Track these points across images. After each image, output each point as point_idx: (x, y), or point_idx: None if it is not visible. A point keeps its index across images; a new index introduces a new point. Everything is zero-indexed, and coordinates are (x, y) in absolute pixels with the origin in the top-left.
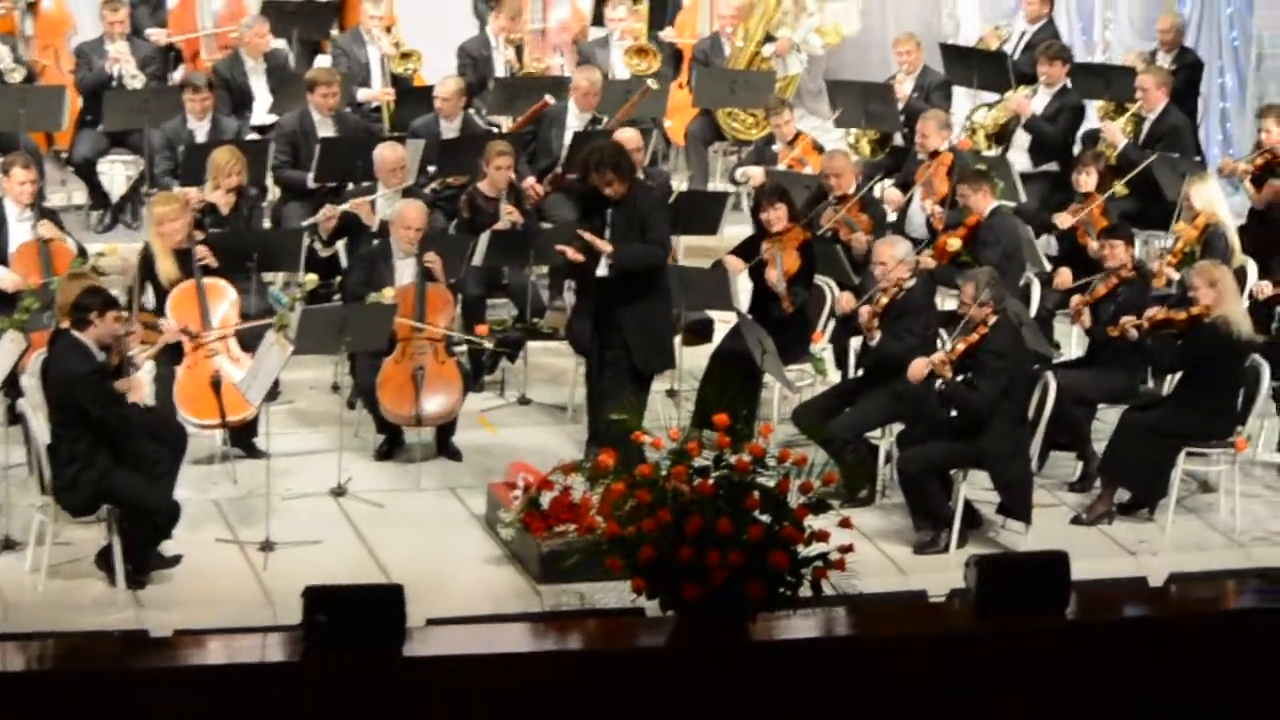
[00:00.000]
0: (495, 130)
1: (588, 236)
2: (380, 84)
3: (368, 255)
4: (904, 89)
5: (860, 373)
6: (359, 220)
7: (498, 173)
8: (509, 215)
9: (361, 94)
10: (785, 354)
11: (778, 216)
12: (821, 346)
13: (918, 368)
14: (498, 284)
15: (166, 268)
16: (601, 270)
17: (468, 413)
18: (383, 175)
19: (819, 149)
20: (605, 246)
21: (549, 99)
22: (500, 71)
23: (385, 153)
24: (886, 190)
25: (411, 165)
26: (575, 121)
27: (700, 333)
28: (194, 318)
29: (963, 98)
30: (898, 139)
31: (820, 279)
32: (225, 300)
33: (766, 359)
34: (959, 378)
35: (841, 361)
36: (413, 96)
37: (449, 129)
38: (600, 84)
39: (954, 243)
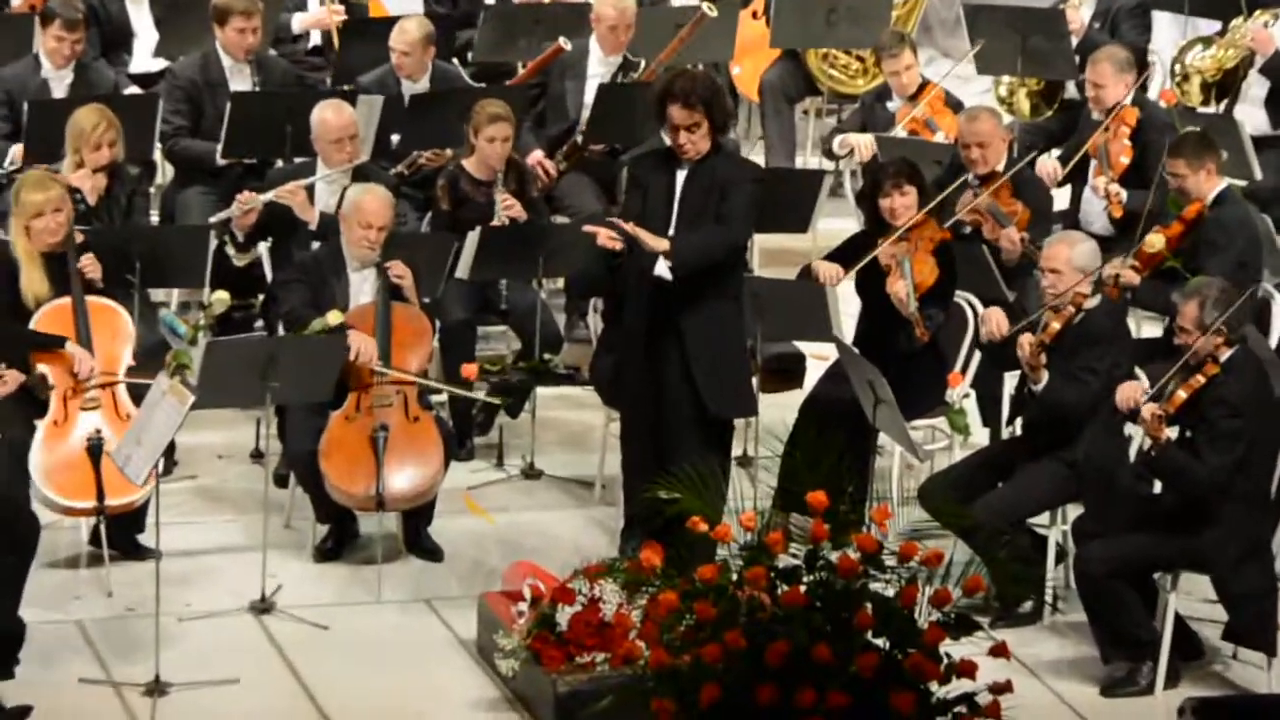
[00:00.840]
0: (485, 85)
1: (631, 229)
2: (321, 5)
3: (305, 264)
4: (1080, 15)
5: (1018, 430)
6: (291, 214)
7: (490, 145)
8: (506, 207)
9: (297, 21)
10: (909, 403)
11: (904, 205)
12: (962, 392)
13: (1126, 392)
14: (493, 305)
15: (34, 280)
16: (660, 270)
17: (450, 491)
18: (324, 148)
19: (954, 107)
20: (659, 243)
21: (563, 42)
22: None
23: (328, 115)
24: (1041, 164)
25: (366, 133)
26: (599, 68)
27: (784, 373)
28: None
29: (1169, 28)
30: (1072, 90)
31: (959, 295)
32: (118, 332)
33: (881, 411)
34: (1169, 436)
35: (991, 415)
36: (369, 31)
37: (412, 87)
38: (633, 12)
39: (1158, 243)
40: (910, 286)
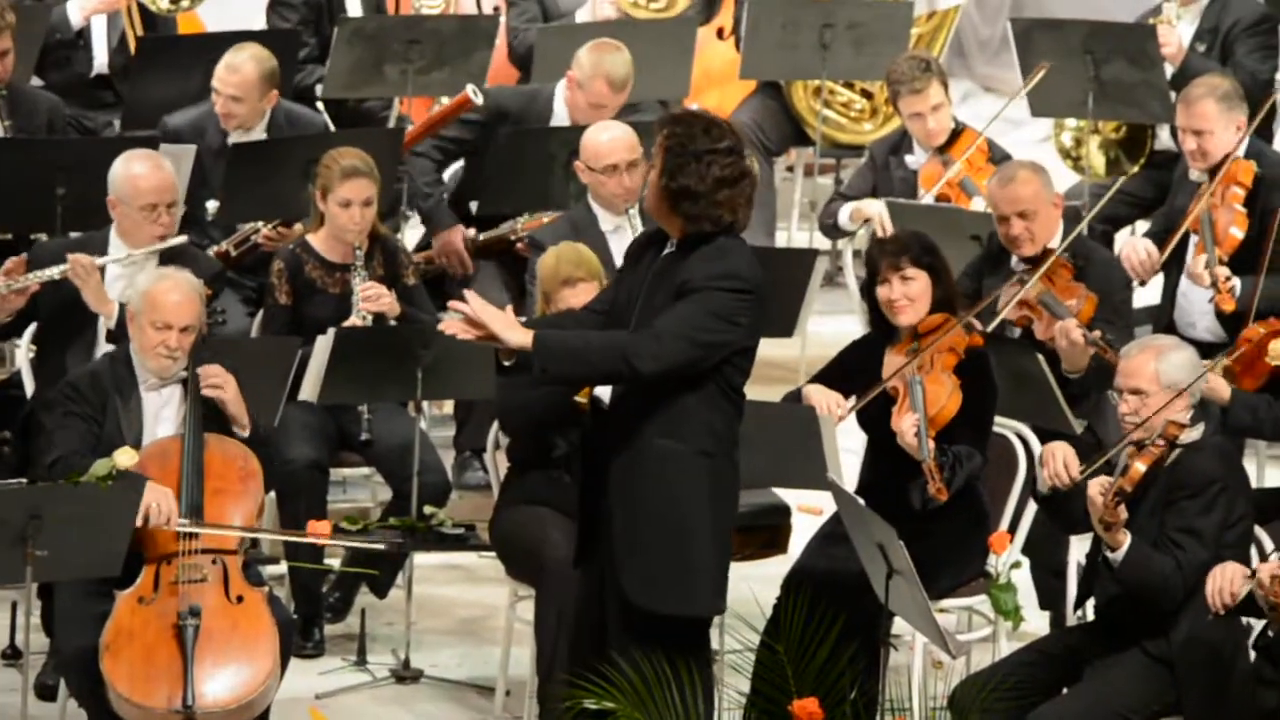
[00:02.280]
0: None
1: (474, 311)
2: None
3: (79, 385)
4: (1177, 33)
5: (1089, 615)
6: (75, 302)
7: (344, 212)
8: (368, 298)
9: (76, 9)
10: (937, 575)
11: (908, 296)
12: (1010, 561)
13: (1224, 579)
14: (351, 439)
15: None
16: (598, 389)
17: (291, 701)
18: (129, 217)
19: (1000, 162)
20: (511, 333)
21: (472, 93)
22: (356, 10)
23: (139, 171)
24: (1129, 244)
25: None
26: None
27: (761, 533)
28: None
29: None
30: (1164, 138)
31: (1005, 424)
32: (246, 484)
33: (896, 586)
34: None
35: (1051, 592)
36: (178, 53)
37: (245, 135)
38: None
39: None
40: (923, 421)
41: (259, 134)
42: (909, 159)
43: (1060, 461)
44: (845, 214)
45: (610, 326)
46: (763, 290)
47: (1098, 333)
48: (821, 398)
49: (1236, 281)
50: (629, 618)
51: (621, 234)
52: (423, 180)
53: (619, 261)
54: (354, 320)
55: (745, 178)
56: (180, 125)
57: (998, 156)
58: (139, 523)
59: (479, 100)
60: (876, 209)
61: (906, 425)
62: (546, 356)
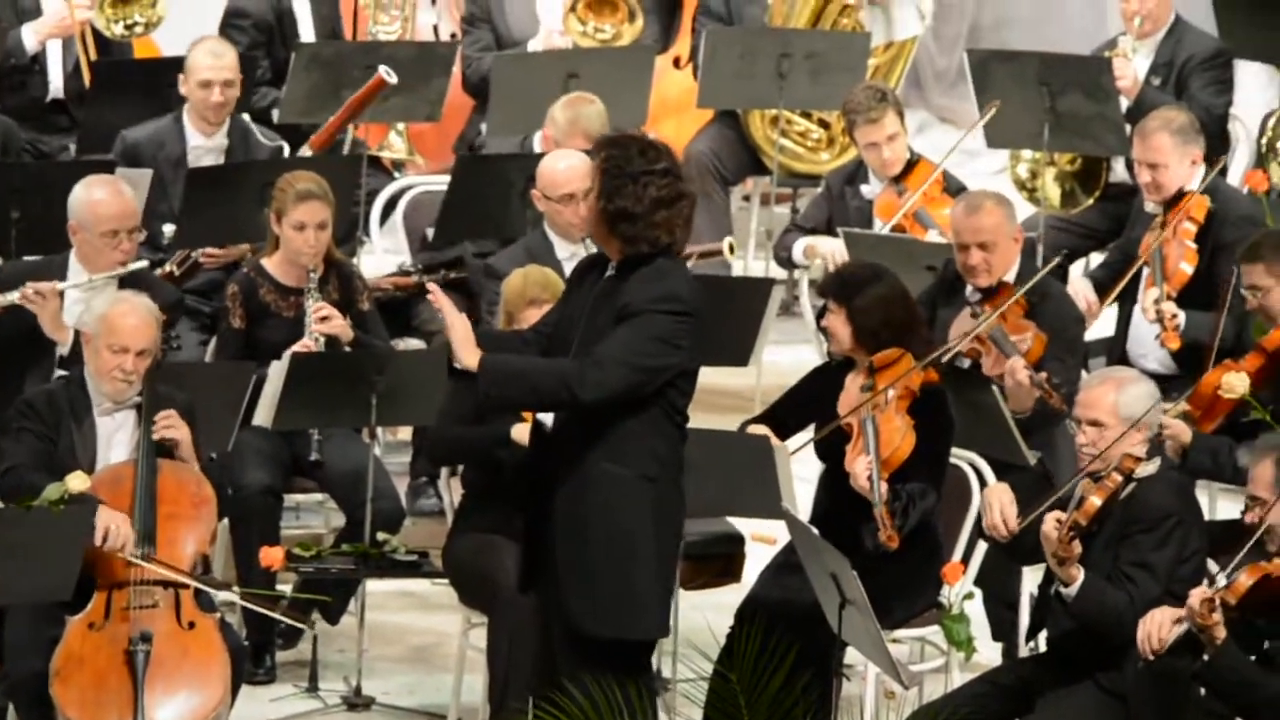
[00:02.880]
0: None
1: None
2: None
3: (34, 404)
4: (1133, 67)
5: (1042, 646)
6: (31, 329)
7: (299, 235)
8: (321, 319)
9: (31, 34)
10: (890, 606)
11: (831, 331)
12: (962, 591)
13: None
14: (303, 464)
15: None
16: (544, 416)
17: None
18: (89, 243)
19: (956, 193)
20: (464, 351)
21: (385, 73)
22: (309, 33)
23: (99, 196)
24: (1072, 286)
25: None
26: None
27: (714, 561)
28: None
29: (1258, 85)
30: (1119, 170)
31: (959, 455)
32: (198, 510)
33: (849, 616)
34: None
35: (1003, 623)
36: (134, 77)
37: (205, 150)
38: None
39: (1235, 383)
40: (876, 464)
41: (221, 138)
42: (865, 189)
43: (998, 514)
44: (799, 250)
45: (553, 348)
46: (702, 313)
47: (1044, 375)
48: (767, 432)
49: (1182, 318)
50: (574, 643)
51: (577, 261)
52: None
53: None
54: (306, 342)
55: (682, 199)
56: (139, 138)
57: (953, 188)
58: (97, 542)
59: (393, 80)
60: (829, 247)
61: (859, 469)
62: (491, 381)
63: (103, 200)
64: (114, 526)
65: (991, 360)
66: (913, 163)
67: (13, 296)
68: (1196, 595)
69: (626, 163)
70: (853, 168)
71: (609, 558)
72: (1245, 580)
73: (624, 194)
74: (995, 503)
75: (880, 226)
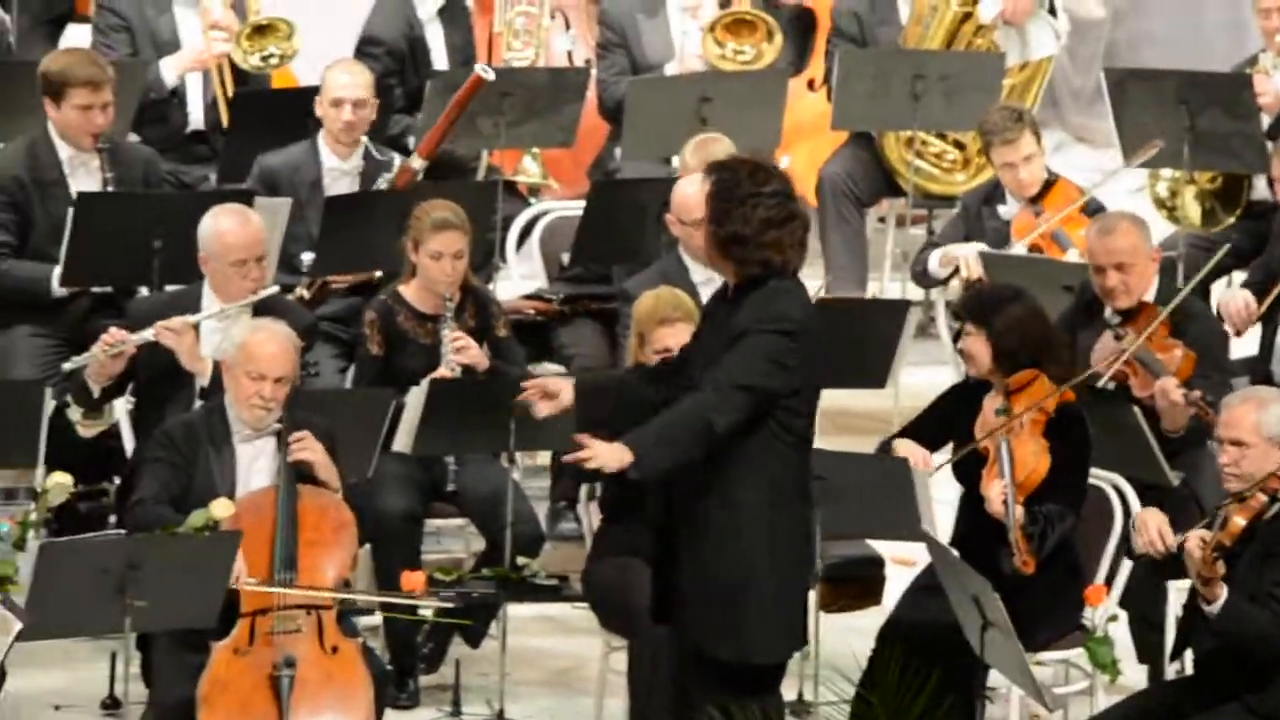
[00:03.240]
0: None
1: (584, 443)
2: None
3: (171, 434)
4: (1275, 82)
5: (1189, 668)
6: (171, 363)
7: (435, 264)
8: (458, 349)
9: (170, 69)
10: (1033, 628)
11: (970, 354)
12: (1106, 613)
13: None
14: (442, 490)
15: None
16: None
17: None
18: (220, 272)
19: (1095, 213)
20: (611, 456)
21: (482, 71)
22: (442, 61)
23: (227, 226)
24: (1227, 295)
25: (270, 248)
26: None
27: (854, 584)
28: None
29: None
30: (1260, 187)
31: (1100, 476)
32: (339, 535)
33: (991, 639)
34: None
35: (1149, 645)
36: (273, 107)
37: (341, 173)
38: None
39: None
40: (1010, 489)
41: (356, 160)
42: (1002, 209)
43: (1155, 531)
44: (935, 260)
45: (678, 378)
46: (814, 332)
47: (1197, 393)
48: (908, 452)
49: None
50: (699, 667)
51: (713, 285)
52: None
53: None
54: (443, 371)
55: (793, 219)
56: (275, 163)
57: (1092, 209)
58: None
59: (489, 77)
60: (964, 251)
61: (994, 494)
62: (646, 458)
63: (230, 230)
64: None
65: (1139, 382)
66: (1050, 183)
67: (147, 334)
68: (1194, 542)
69: (735, 186)
70: (990, 188)
71: (726, 583)
72: (1240, 520)
73: (733, 217)
74: (1150, 523)
75: (1016, 246)
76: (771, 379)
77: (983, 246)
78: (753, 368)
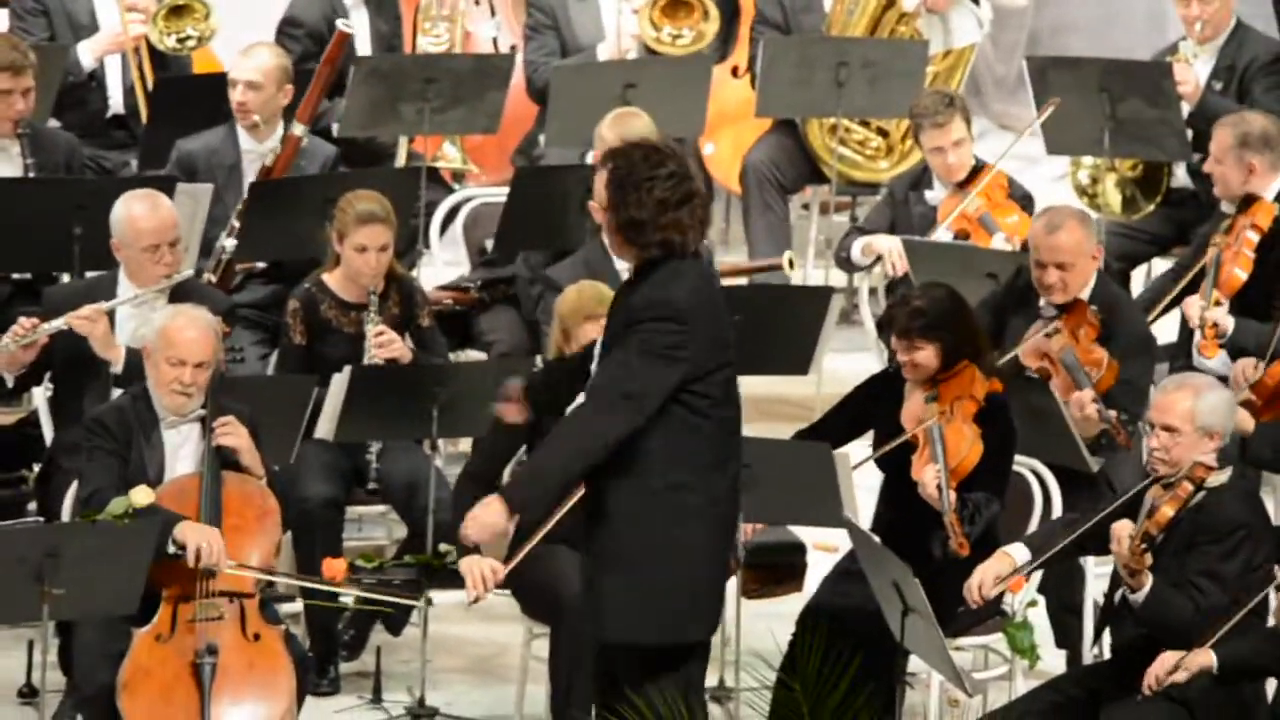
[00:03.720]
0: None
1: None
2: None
3: (104, 422)
4: (1194, 72)
5: (1107, 653)
6: (85, 350)
7: (360, 257)
8: (380, 344)
9: (87, 51)
10: (952, 614)
11: (917, 364)
12: (1026, 599)
13: None
14: (363, 477)
15: None
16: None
17: None
18: (133, 258)
19: (1020, 199)
20: (489, 523)
21: (343, 26)
22: (363, 44)
23: (138, 212)
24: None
25: (190, 233)
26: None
27: (775, 570)
28: None
29: None
30: (1180, 176)
31: (1021, 462)
32: (262, 521)
33: (912, 624)
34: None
35: (1068, 630)
36: (193, 92)
37: (258, 156)
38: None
39: None
40: (944, 473)
41: (273, 143)
42: (929, 194)
43: (976, 580)
44: (858, 248)
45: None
46: (708, 311)
47: (1114, 413)
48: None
49: (1230, 324)
50: (608, 652)
51: None
52: None
53: None
54: (372, 360)
55: (692, 198)
56: (193, 148)
57: (1018, 194)
58: (191, 560)
59: (351, 32)
60: (888, 245)
61: (928, 478)
62: (530, 509)
63: (141, 215)
64: (206, 544)
65: (1061, 385)
66: (977, 169)
67: (58, 323)
68: (1122, 534)
69: (630, 171)
70: (917, 173)
71: (623, 564)
72: (1168, 510)
73: (629, 202)
74: (978, 573)
75: (941, 228)
76: (661, 377)
77: (900, 242)
78: (637, 370)
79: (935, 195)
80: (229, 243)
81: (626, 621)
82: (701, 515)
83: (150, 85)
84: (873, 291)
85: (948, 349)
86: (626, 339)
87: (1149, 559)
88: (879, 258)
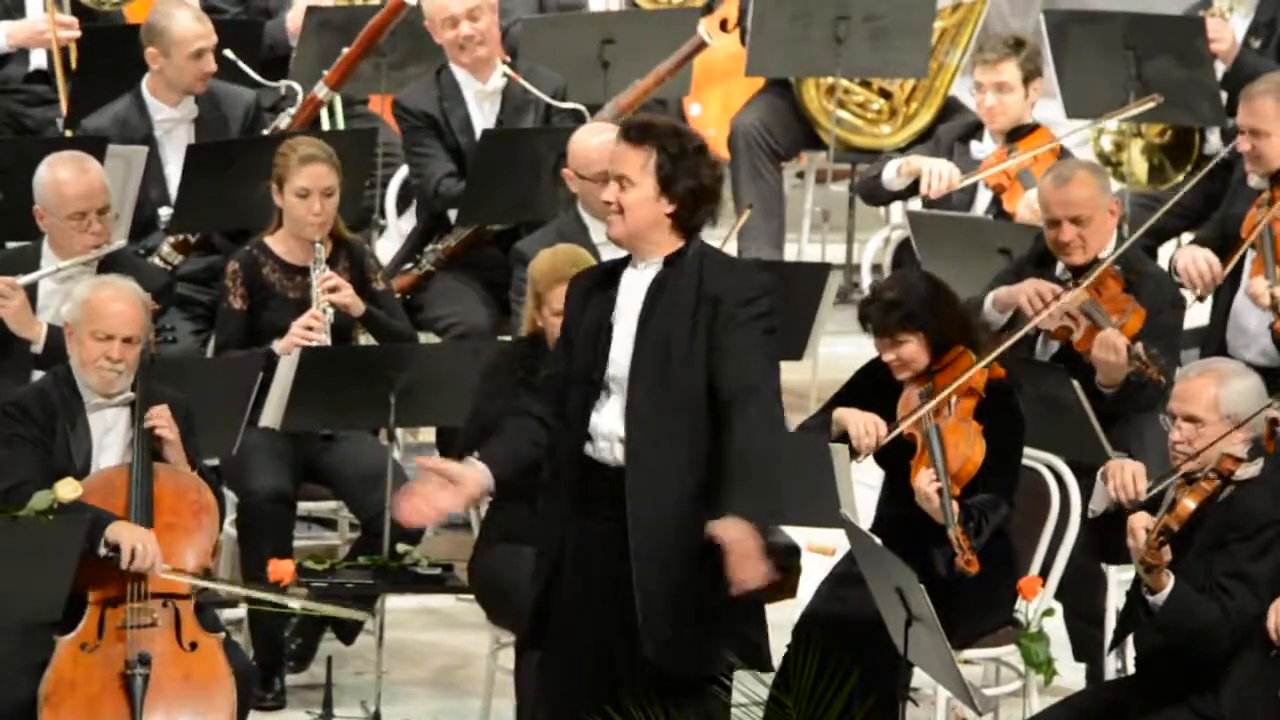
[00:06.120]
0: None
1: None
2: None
3: (25, 406)
4: (1230, 28)
5: (1130, 666)
6: (0, 328)
7: (302, 203)
8: (328, 289)
9: (3, 36)
10: (961, 623)
11: (904, 360)
12: (1041, 607)
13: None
14: (313, 469)
15: None
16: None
17: None
18: (57, 228)
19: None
20: (749, 552)
21: None
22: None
23: (63, 177)
24: (1186, 255)
25: (122, 201)
26: (483, 109)
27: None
28: None
29: None
30: (1214, 141)
31: (1035, 456)
32: (198, 519)
33: (916, 635)
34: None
35: (1087, 641)
36: (122, 46)
37: (174, 122)
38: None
39: None
40: (944, 481)
41: (189, 105)
42: (975, 146)
43: (1129, 474)
44: (892, 168)
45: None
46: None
47: (1140, 345)
48: (859, 420)
49: None
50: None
51: (614, 247)
52: None
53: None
54: (314, 313)
55: (720, 173)
56: (100, 124)
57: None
58: (125, 562)
59: (413, 2)
60: (934, 165)
61: (927, 487)
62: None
63: (67, 180)
64: (140, 546)
65: (1082, 334)
66: (1029, 128)
67: None
68: (1139, 526)
69: (681, 150)
70: (969, 125)
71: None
72: (1189, 504)
73: (684, 184)
74: (1127, 466)
75: (978, 177)
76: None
77: (949, 164)
78: (768, 360)
79: (983, 148)
80: (164, 212)
81: (707, 654)
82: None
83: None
84: (876, 268)
85: (934, 337)
86: (747, 328)
87: (1167, 554)
88: (914, 184)
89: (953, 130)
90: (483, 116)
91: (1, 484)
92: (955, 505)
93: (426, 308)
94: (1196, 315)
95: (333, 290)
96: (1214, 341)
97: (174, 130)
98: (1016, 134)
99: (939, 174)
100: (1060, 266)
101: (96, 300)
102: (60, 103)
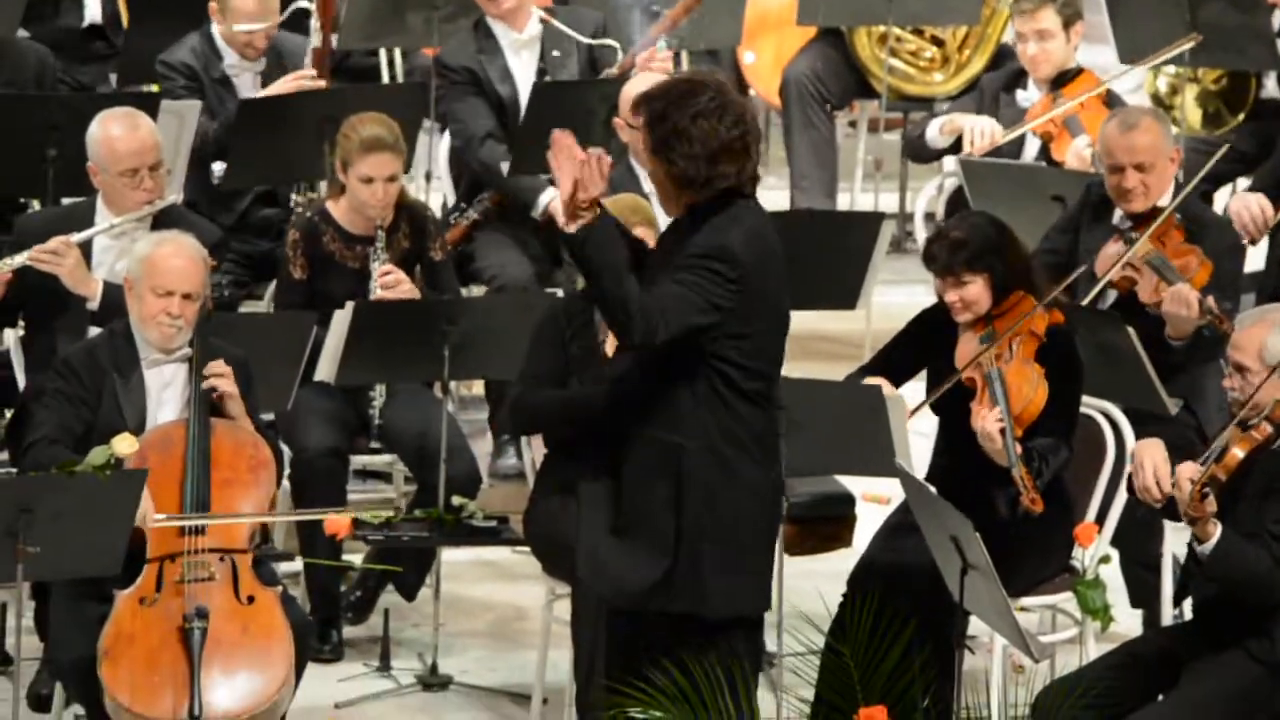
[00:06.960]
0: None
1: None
2: None
3: (71, 364)
4: None
5: (1188, 614)
6: (57, 286)
7: (366, 189)
8: (386, 284)
9: None
10: (1017, 570)
11: (967, 302)
12: (1098, 554)
13: None
14: (365, 425)
15: None
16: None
17: (308, 711)
18: (110, 184)
19: (1111, 105)
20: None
21: None
22: None
23: (115, 133)
24: (1239, 200)
25: (174, 160)
26: (521, 58)
27: (822, 525)
28: None
29: None
30: (1270, 87)
31: (1091, 405)
32: (256, 474)
33: (972, 583)
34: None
35: (1144, 588)
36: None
37: (242, 70)
38: None
39: None
40: (1009, 422)
41: (258, 66)
42: (1020, 95)
43: (1150, 475)
44: (935, 127)
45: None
46: (758, 269)
47: (1212, 299)
48: (975, 122)
49: None
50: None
51: None
52: None
53: (664, 225)
54: (377, 296)
55: (741, 130)
56: (181, 56)
57: (1114, 104)
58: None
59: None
60: (974, 122)
61: (991, 428)
62: (595, 245)
63: (119, 137)
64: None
65: (1149, 287)
66: (1073, 73)
67: (19, 259)
68: (1184, 478)
69: (664, 114)
70: (1013, 74)
71: (636, 526)
72: (1238, 453)
73: (676, 152)
74: (1147, 461)
75: (1026, 127)
76: (692, 316)
77: (993, 121)
78: (674, 298)
79: (1028, 97)
80: (217, 166)
81: (728, 595)
82: (721, 482)
83: None
84: (929, 216)
85: (998, 279)
86: (679, 273)
87: (1212, 505)
88: (958, 142)
89: (996, 80)
90: (521, 65)
91: (28, 436)
92: (1019, 447)
93: (477, 258)
94: (1254, 260)
95: (389, 286)
96: (1269, 287)
97: (242, 77)
98: (1061, 80)
99: (981, 131)
100: (1119, 214)
101: (157, 256)
102: (114, 59)
